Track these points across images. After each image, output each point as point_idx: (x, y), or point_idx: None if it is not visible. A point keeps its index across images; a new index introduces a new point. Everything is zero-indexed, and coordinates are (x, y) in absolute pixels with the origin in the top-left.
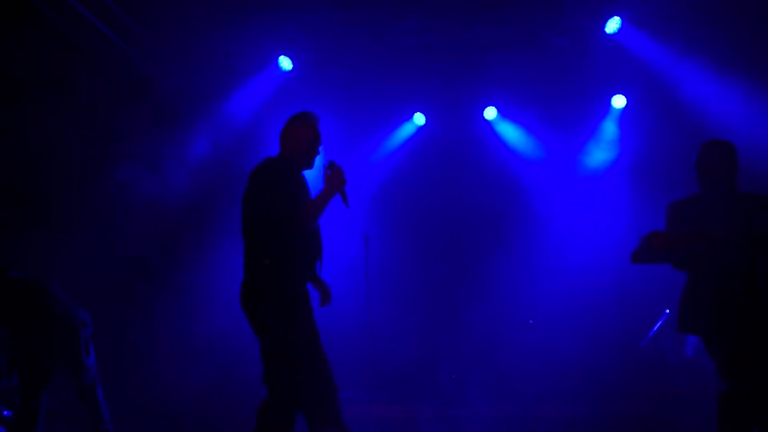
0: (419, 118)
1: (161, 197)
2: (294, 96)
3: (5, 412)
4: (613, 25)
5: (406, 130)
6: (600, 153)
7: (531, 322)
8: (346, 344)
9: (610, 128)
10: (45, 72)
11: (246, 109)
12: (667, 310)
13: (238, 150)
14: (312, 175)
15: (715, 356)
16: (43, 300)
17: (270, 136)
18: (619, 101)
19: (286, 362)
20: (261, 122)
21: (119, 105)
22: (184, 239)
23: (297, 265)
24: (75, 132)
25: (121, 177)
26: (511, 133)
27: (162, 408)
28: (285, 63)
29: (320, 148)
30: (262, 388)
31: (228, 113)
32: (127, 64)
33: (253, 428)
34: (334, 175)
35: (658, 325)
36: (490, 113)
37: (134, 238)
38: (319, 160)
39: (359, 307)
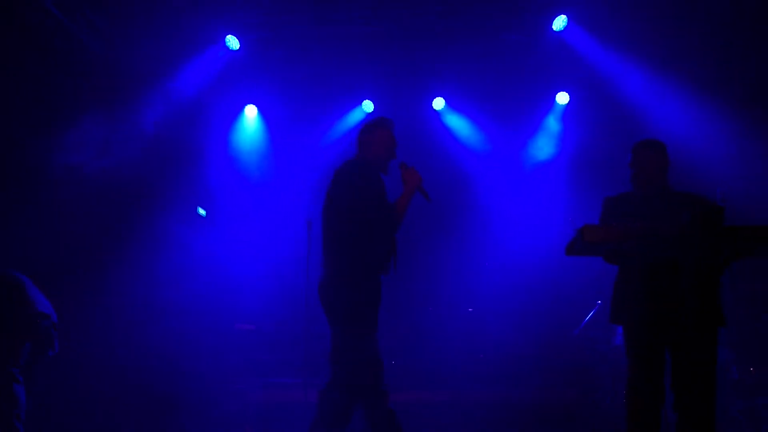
0: (368, 105)
1: (109, 175)
2: (242, 76)
3: None
4: (559, 22)
5: (354, 117)
6: (543, 148)
7: (470, 310)
8: (283, 329)
9: (552, 124)
10: None
11: (193, 87)
12: (599, 302)
13: (186, 128)
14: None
15: (630, 346)
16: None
17: (217, 115)
18: (562, 98)
19: (366, 350)
20: (208, 100)
21: (66, 83)
22: (132, 216)
23: (384, 261)
24: (21, 111)
25: (69, 157)
26: (458, 124)
27: (112, 387)
28: (232, 42)
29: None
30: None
31: (175, 92)
32: (74, 43)
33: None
34: (410, 173)
35: (590, 315)
36: (439, 104)
37: (82, 217)
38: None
39: (298, 292)
